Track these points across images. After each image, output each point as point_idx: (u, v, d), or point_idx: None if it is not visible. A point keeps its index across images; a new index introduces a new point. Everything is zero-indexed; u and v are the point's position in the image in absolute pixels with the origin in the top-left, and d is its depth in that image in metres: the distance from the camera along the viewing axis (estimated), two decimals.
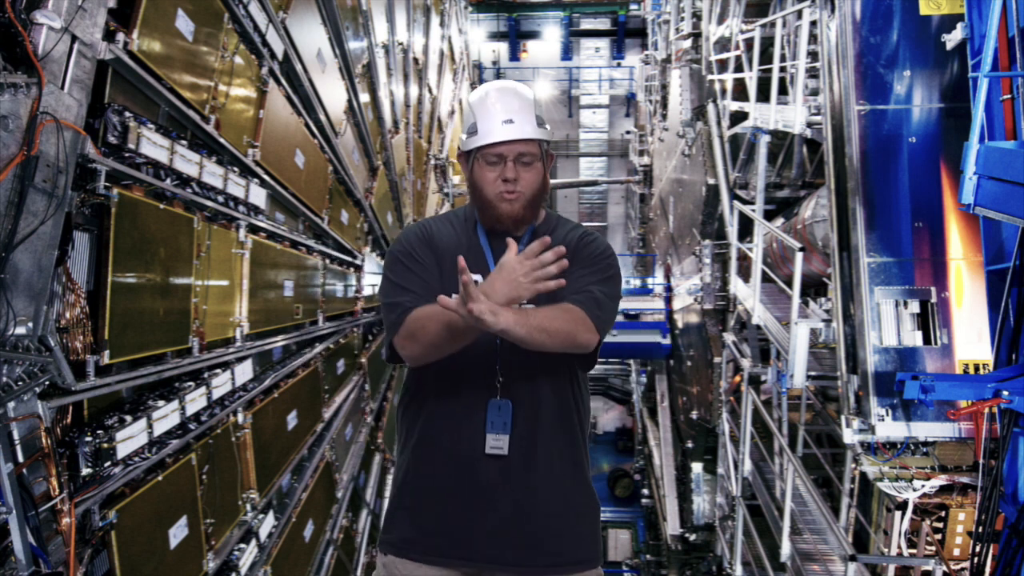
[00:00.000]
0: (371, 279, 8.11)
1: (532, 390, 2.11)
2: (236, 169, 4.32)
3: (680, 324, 12.32)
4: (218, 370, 4.16)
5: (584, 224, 2.38)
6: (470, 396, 2.12)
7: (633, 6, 22.09)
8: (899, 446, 5.16)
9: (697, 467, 11.26)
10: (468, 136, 2.15)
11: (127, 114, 3.07)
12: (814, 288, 7.07)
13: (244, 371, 4.55)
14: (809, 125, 5.92)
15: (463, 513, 2.12)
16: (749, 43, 7.46)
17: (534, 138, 2.11)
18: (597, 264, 2.21)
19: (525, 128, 2.10)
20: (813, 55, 5.88)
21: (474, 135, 2.13)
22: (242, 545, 4.45)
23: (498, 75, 23.15)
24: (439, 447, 2.15)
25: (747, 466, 7.51)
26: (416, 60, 10.39)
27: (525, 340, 1.94)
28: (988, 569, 4.26)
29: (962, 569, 5.41)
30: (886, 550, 5.76)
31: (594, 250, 2.24)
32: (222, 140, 4.07)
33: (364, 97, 7.49)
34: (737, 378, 8.73)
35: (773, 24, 6.78)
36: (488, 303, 1.82)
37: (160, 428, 3.41)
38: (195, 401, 3.81)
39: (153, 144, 3.27)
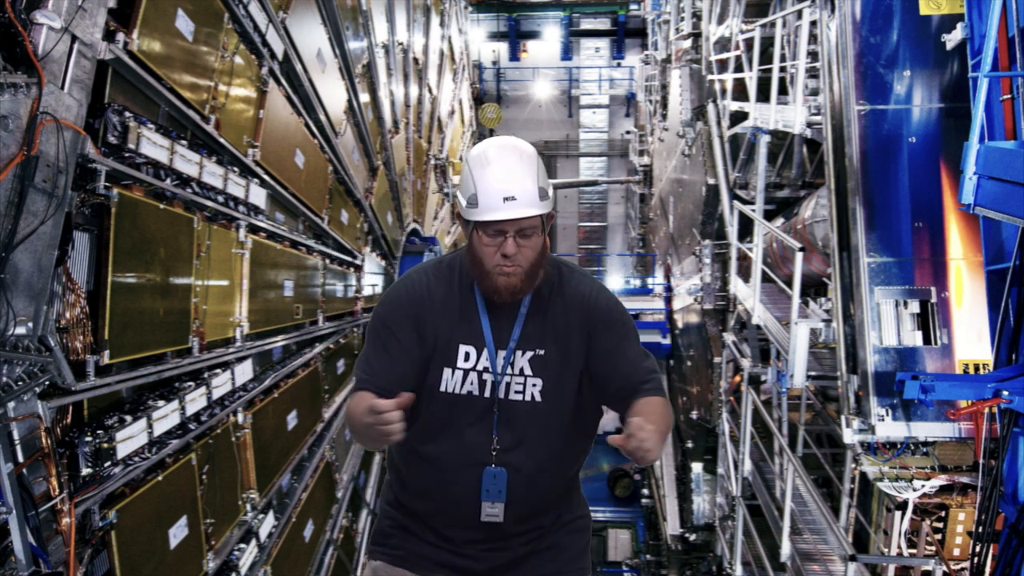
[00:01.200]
0: (371, 279, 8.12)
1: (529, 457, 2.09)
2: (236, 169, 4.32)
3: (680, 324, 12.32)
4: (218, 370, 4.16)
5: (586, 273, 2.35)
6: (465, 463, 2.08)
7: (633, 6, 22.08)
8: (899, 446, 5.16)
9: (697, 467, 11.27)
10: (468, 205, 2.01)
11: (127, 114, 3.07)
12: (814, 288, 7.07)
13: (244, 371, 4.54)
14: (809, 125, 5.92)
15: (454, 552, 2.17)
16: (749, 43, 7.46)
17: (536, 214, 2.00)
18: (623, 325, 2.19)
19: (528, 206, 1.97)
20: (813, 55, 5.87)
21: (474, 207, 1.99)
22: (242, 545, 4.45)
23: (498, 75, 23.16)
24: (431, 514, 2.18)
25: (747, 466, 7.51)
26: (416, 60, 10.39)
27: None
28: (988, 569, 4.26)
29: (962, 569, 5.40)
30: (886, 550, 5.76)
31: (609, 312, 2.18)
32: (222, 140, 4.07)
33: (364, 97, 7.49)
34: (737, 378, 8.73)
35: (773, 24, 6.78)
36: (655, 445, 1.81)
37: (160, 428, 3.41)
38: (195, 401, 3.81)
39: (153, 144, 3.27)
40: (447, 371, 2.09)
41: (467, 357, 2.10)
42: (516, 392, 2.09)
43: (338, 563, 6.85)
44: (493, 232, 2.00)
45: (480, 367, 2.10)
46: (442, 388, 2.09)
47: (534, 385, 2.10)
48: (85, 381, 2.84)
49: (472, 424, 2.08)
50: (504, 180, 1.97)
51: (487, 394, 2.09)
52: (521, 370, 2.10)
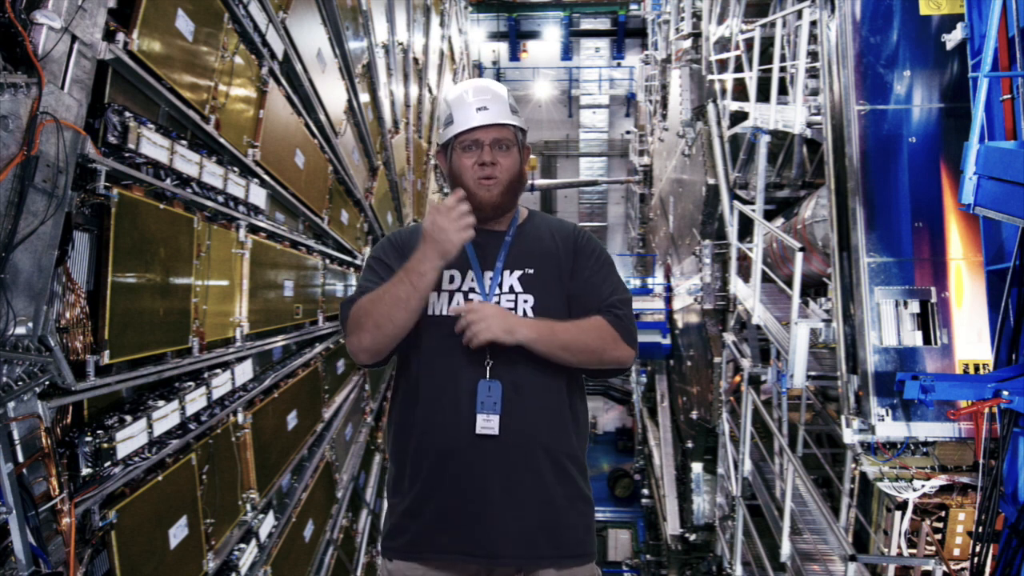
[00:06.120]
0: None
1: (523, 374, 2.11)
2: (236, 169, 4.32)
3: (680, 324, 12.32)
4: (218, 370, 4.15)
5: (579, 224, 2.47)
6: (459, 379, 2.11)
7: (633, 6, 22.10)
8: (899, 446, 5.16)
9: (697, 467, 11.27)
10: (445, 128, 2.21)
11: (127, 114, 3.06)
12: (814, 288, 7.07)
13: (244, 371, 4.54)
14: (809, 125, 5.92)
15: (458, 505, 2.09)
16: (749, 43, 7.46)
17: (509, 123, 2.17)
18: (599, 257, 2.27)
19: (500, 115, 2.16)
20: (813, 55, 5.88)
21: (450, 125, 2.19)
22: (242, 545, 4.45)
23: (498, 75, 23.16)
24: (430, 433, 2.13)
25: (747, 466, 7.51)
26: (416, 60, 10.39)
27: (547, 356, 2.07)
28: (988, 569, 4.26)
29: (962, 569, 5.41)
30: (886, 550, 5.76)
31: (590, 242, 2.30)
32: (222, 140, 4.06)
33: (364, 97, 7.49)
34: (737, 378, 8.74)
35: (773, 24, 6.78)
36: (499, 322, 2.00)
37: (160, 428, 3.41)
38: (195, 401, 3.81)
39: (153, 144, 3.27)
40: (432, 296, 2.17)
41: (451, 280, 2.21)
42: (507, 309, 2.15)
43: (338, 563, 6.85)
44: (470, 144, 2.16)
45: (465, 287, 2.19)
46: (430, 312, 2.17)
47: (525, 301, 2.18)
48: (85, 381, 2.84)
49: (465, 345, 2.11)
50: (476, 95, 2.19)
51: None
52: (511, 287, 2.18)
